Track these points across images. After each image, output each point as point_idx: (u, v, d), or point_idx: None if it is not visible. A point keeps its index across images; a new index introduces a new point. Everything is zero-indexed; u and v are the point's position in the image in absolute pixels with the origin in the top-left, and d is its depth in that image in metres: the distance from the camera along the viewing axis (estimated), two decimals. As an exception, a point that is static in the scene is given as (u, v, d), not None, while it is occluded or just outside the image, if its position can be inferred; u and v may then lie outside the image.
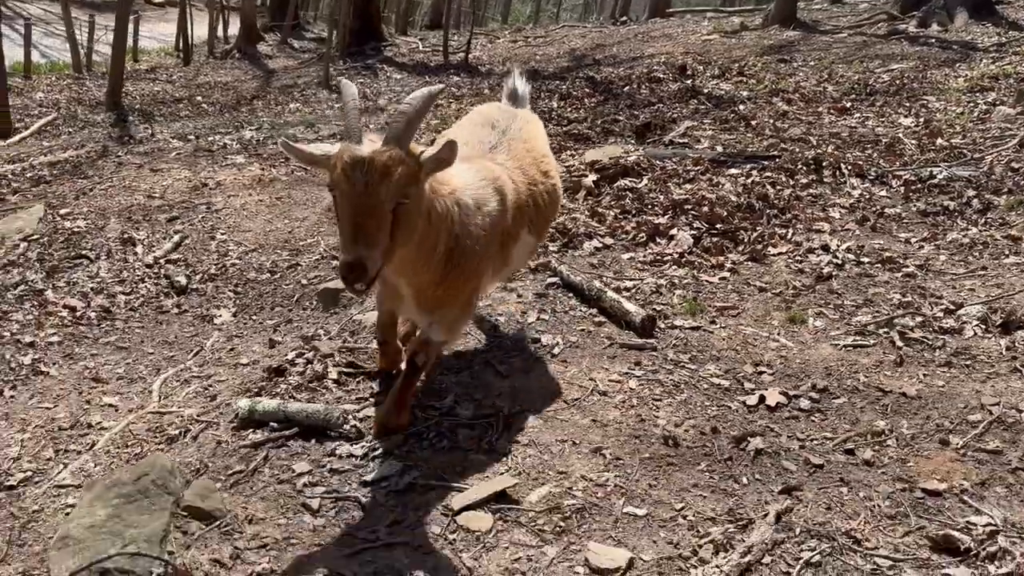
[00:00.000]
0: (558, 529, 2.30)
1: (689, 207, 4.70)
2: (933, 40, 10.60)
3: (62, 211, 6.05)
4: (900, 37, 11.11)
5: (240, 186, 6.57)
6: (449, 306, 2.68)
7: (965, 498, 2.31)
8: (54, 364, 3.81)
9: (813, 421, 2.80)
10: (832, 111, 7.29)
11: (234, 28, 18.51)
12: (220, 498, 2.41)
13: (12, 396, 3.53)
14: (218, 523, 2.33)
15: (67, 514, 2.70)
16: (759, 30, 13.23)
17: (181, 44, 16.39)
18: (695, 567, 2.10)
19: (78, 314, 4.34)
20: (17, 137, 9.84)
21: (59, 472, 2.95)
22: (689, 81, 8.92)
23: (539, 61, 12.05)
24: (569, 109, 8.29)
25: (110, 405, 3.41)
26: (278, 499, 2.49)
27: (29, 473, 2.97)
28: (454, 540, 2.28)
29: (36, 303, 4.45)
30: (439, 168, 2.27)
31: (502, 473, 2.56)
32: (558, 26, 17.54)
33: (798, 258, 4.22)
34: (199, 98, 11.76)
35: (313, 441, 2.79)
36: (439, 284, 2.57)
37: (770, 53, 11.06)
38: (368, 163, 2.10)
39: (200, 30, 17.81)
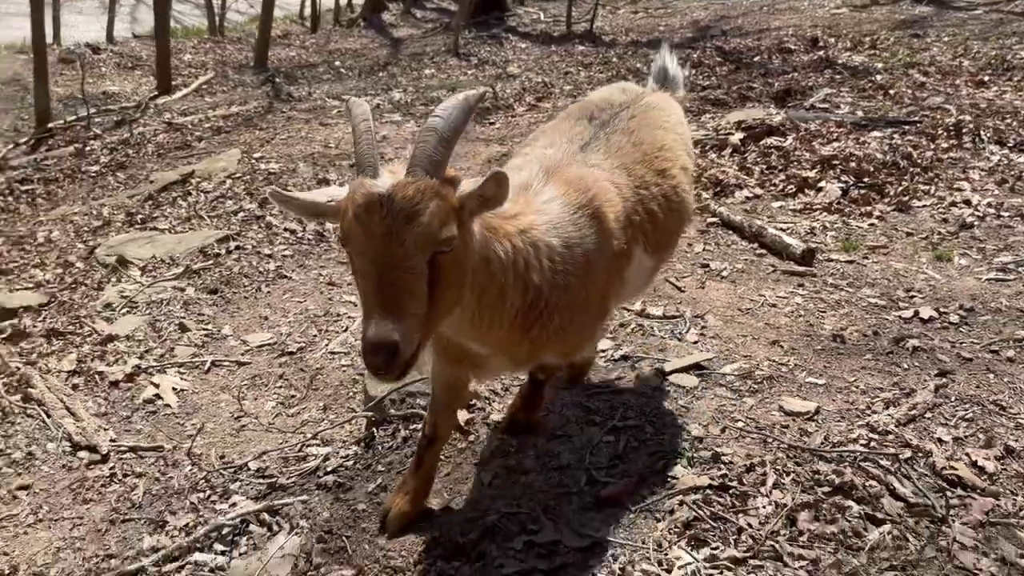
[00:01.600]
0: (752, 389, 3.00)
1: (837, 163, 5.26)
2: (1078, 16, 10.57)
3: (255, 155, 7.08)
4: (1042, 13, 11.08)
5: (403, 139, 7.47)
6: (553, 356, 2.28)
7: (1097, 384, 2.89)
8: (293, 271, 4.73)
9: (961, 331, 3.40)
10: (969, 84, 7.59)
11: (357, -3, 19.61)
12: (486, 352, 3.23)
13: (268, 292, 4.46)
14: (488, 368, 3.14)
15: (343, 370, 3.58)
16: (890, 4, 13.31)
17: (308, 12, 17.56)
18: (869, 416, 2.76)
19: (298, 235, 5.27)
20: (179, 93, 11.09)
21: (327, 344, 3.83)
22: (821, 52, 9.31)
23: (663, 32, 12.56)
24: (701, 77, 8.84)
25: (350, 302, 4.28)
26: (525, 359, 3.28)
27: (302, 344, 3.86)
28: (669, 391, 3.02)
29: (261, 225, 5.42)
30: (485, 208, 1.76)
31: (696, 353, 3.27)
32: (676, -2, 17.82)
33: (941, 210, 4.74)
34: (336, 63, 12.80)
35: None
36: (522, 340, 2.10)
37: (902, 28, 11.23)
38: (388, 201, 1.63)
39: (324, -1, 18.97)
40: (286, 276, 4.64)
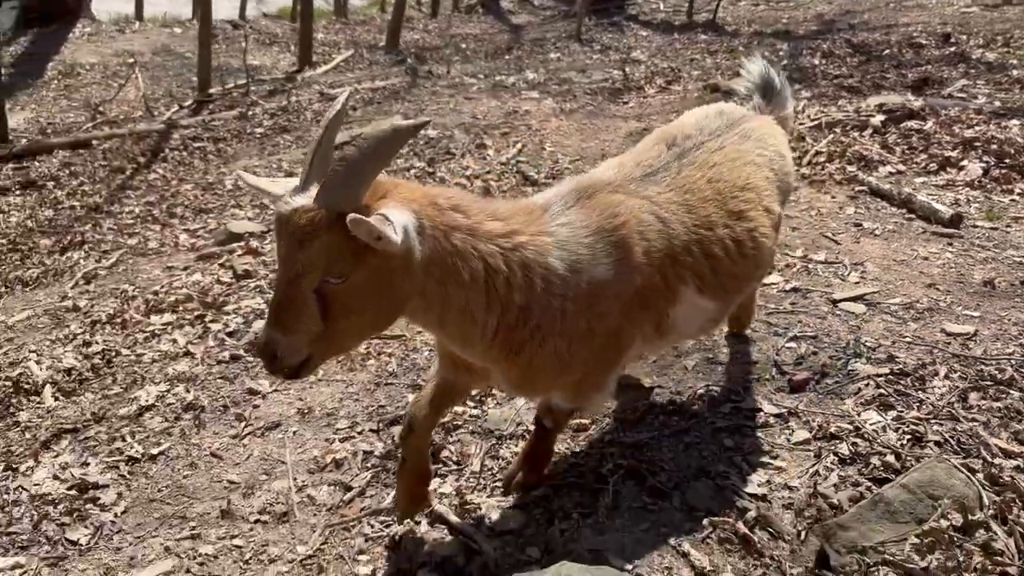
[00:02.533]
0: (915, 316, 3.53)
1: (978, 144, 5.66)
2: None
3: (413, 122, 7.87)
4: None
5: (544, 114, 8.15)
6: (554, 388, 2.27)
7: None
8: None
9: (1106, 286, 3.83)
10: (1111, 81, 7.78)
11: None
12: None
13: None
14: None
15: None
16: (1023, 5, 13.29)
17: (428, -2, 18.48)
18: (1022, 339, 3.26)
19: (468, 188, 6.00)
20: (322, 68, 12.08)
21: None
22: (954, 48, 9.57)
23: (787, 24, 12.90)
24: (832, 66, 9.24)
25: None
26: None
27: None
28: (839, 314, 3.57)
29: (435, 179, 6.17)
30: (378, 246, 1.69)
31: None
32: (795, -7, 18.00)
33: (1083, 191, 5.11)
34: (463, 45, 13.62)
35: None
36: (512, 362, 2.11)
37: (1037, 27, 11.30)
38: (287, 223, 1.71)
39: (440, -15, 19.87)
40: (467, 220, 5.35)
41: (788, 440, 2.73)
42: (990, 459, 2.35)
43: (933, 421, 2.63)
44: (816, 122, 6.55)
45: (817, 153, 5.94)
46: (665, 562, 2.28)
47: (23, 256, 6.24)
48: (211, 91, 10.47)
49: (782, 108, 2.93)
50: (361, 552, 2.52)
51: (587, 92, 9.21)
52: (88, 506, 2.70)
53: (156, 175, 7.98)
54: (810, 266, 4.10)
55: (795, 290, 3.85)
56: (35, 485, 2.77)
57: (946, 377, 2.90)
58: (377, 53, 13.44)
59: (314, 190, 1.74)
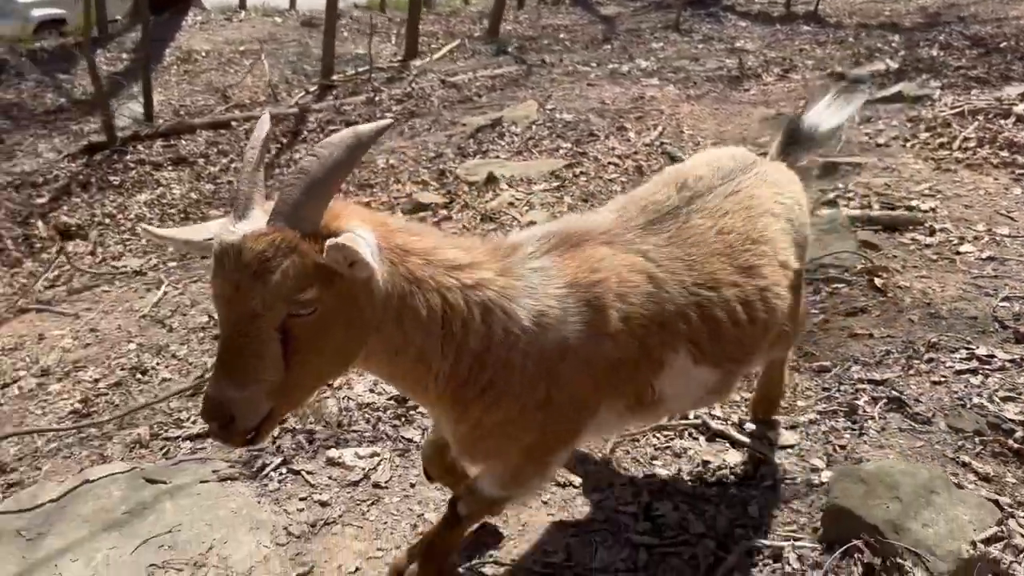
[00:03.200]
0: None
1: None
2: None
3: (547, 107, 8.31)
4: None
5: (671, 100, 8.51)
6: (498, 457, 2.02)
7: None
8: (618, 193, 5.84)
9: None
10: None
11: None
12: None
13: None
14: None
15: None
16: None
17: (514, -11, 18.92)
18: None
19: (622, 167, 6.39)
20: (431, 57, 12.58)
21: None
22: (1076, 40, 9.69)
23: (889, 16, 13.06)
24: (951, 58, 9.42)
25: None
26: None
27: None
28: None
29: (589, 159, 6.59)
30: (354, 272, 1.54)
31: None
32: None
33: None
34: (561, 35, 14.03)
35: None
36: (463, 416, 1.89)
37: None
38: (237, 253, 1.49)
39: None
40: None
41: (1029, 379, 3.08)
42: None
43: None
44: (958, 110, 6.81)
45: (966, 139, 6.21)
46: (949, 470, 2.65)
47: (200, 225, 6.81)
48: (333, 77, 11.03)
49: (798, 160, 2.69)
50: (654, 459, 2.94)
51: (706, 80, 9.54)
52: (411, 412, 3.16)
53: (301, 155, 8.53)
54: (997, 238, 4.42)
55: (991, 258, 4.17)
56: (358, 396, 3.25)
57: None
58: (477, 43, 13.91)
59: (256, 215, 1.55)
